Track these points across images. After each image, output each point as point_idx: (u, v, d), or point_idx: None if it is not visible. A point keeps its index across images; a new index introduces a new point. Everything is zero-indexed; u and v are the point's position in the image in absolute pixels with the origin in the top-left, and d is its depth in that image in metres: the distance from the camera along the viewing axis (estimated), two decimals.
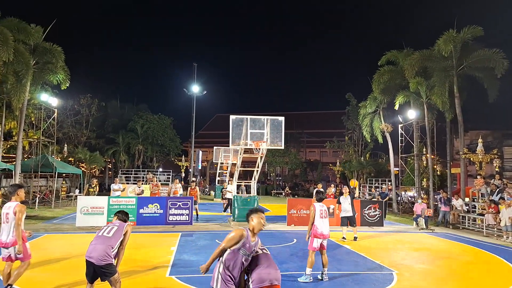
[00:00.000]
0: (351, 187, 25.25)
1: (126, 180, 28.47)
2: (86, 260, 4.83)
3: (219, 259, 3.93)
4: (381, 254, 9.74)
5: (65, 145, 28.12)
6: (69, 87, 19.96)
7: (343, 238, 11.49)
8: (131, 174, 30.42)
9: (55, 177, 21.00)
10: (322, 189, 12.94)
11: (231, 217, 14.84)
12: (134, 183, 25.59)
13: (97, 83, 73.11)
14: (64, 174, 25.69)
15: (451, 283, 7.42)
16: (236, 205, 14.34)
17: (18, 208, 5.41)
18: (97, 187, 16.86)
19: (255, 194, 15.40)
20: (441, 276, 7.83)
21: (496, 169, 16.74)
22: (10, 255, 5.43)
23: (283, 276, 7.36)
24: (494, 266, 9.06)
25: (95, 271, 4.80)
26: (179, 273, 7.20)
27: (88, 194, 15.49)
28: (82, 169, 27.64)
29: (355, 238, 11.52)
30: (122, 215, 5.49)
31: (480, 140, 17.37)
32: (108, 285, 5.07)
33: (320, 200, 7.56)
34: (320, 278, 7.06)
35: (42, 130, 21.47)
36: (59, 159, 24.62)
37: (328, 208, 9.67)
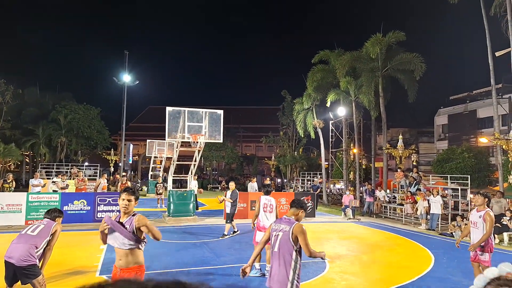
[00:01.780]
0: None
1: (46, 175, 26.10)
2: (5, 261, 4.38)
3: (290, 262, 3.60)
4: (314, 244, 10.12)
5: None
6: None
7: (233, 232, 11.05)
8: (53, 168, 27.92)
9: None
10: (268, 183, 12.58)
11: (166, 213, 14.42)
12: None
13: (12, 67, 65.72)
14: None
15: (377, 267, 8.04)
16: (171, 200, 13.92)
17: None
18: (13, 182, 15.20)
19: (192, 188, 15.11)
20: (368, 262, 8.45)
21: (414, 163, 18.47)
22: None
23: (222, 269, 7.39)
24: (412, 250, 10.00)
25: (15, 273, 4.37)
26: (110, 273, 6.79)
27: (2, 190, 13.93)
28: None
29: (223, 235, 10.88)
30: (54, 213, 5.02)
31: (400, 136, 19.01)
32: None
33: (267, 193, 7.40)
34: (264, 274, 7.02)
35: None
36: None
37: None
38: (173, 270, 7.19)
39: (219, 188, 35.27)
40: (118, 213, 3.94)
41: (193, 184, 16.74)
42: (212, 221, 14.08)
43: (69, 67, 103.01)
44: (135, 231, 3.67)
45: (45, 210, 5.23)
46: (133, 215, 3.77)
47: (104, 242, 3.83)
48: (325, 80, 22.93)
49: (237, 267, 7.28)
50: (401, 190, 17.32)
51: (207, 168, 45.74)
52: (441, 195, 14.03)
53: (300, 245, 3.70)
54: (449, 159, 20.65)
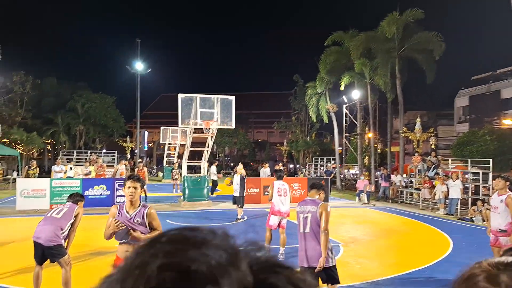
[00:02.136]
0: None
1: (67, 162, 26.83)
2: (34, 241, 4.66)
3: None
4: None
5: None
6: (0, 62, 18.15)
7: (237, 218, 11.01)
8: (73, 155, 28.70)
9: None
10: (282, 168, 12.67)
11: (181, 198, 14.64)
12: (77, 165, 24.25)
13: (31, 58, 67.03)
14: None
15: (392, 251, 8.01)
16: (186, 185, 14.13)
17: None
18: (37, 169, 15.73)
19: (205, 174, 15.27)
20: (383, 246, 8.41)
21: (432, 147, 18.08)
22: None
23: None
24: (430, 235, 9.88)
25: (44, 253, 4.65)
26: None
27: (27, 176, 14.42)
28: (19, 150, 25.55)
29: (236, 219, 10.96)
30: (76, 197, 5.22)
31: (418, 119, 18.59)
32: (59, 268, 4.81)
33: (279, 178, 7.53)
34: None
35: None
36: None
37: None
38: None
39: (232, 173, 35.56)
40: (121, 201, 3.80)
41: (213, 169, 17.18)
42: (225, 206, 14.19)
43: (84, 57, 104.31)
44: (146, 224, 3.58)
45: (68, 195, 5.46)
46: (143, 207, 3.65)
47: (109, 238, 3.66)
48: (338, 62, 22.41)
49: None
50: (419, 175, 17.04)
51: (220, 155, 46.00)
52: (461, 180, 13.75)
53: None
54: (470, 142, 20.13)
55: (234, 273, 0.38)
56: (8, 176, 22.34)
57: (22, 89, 30.69)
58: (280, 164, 20.63)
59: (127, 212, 3.60)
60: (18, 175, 20.99)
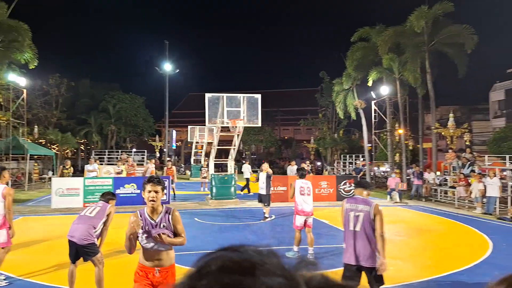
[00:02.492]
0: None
1: (100, 161, 27.73)
2: (68, 240, 4.77)
3: (374, 239, 4.17)
4: None
5: (35, 126, 26.97)
6: (37, 66, 19.12)
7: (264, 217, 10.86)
8: (105, 155, 29.66)
9: (27, 159, 20.12)
10: (305, 166, 12.70)
11: (209, 196, 14.76)
12: (108, 164, 25.00)
13: (65, 62, 69.81)
14: (35, 156, 24.75)
15: (427, 252, 7.70)
16: (214, 183, 14.23)
17: (6, 191, 5.45)
18: (71, 168, 16.31)
19: (232, 172, 15.31)
20: (417, 247, 8.11)
21: (467, 143, 17.33)
22: None
23: None
24: (467, 236, 9.45)
25: (78, 251, 4.75)
26: None
27: (62, 175, 14.99)
28: (54, 150, 26.69)
29: (264, 218, 10.85)
30: (108, 196, 5.36)
31: (451, 114, 17.87)
32: (92, 266, 4.91)
33: (302, 176, 7.47)
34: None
35: (11, 111, 20.39)
36: (30, 141, 23.68)
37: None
38: None
39: (258, 172, 35.50)
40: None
41: (246, 168, 17.36)
42: (253, 204, 14.18)
43: (115, 59, 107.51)
44: (172, 229, 3.33)
45: (100, 194, 5.61)
46: (166, 212, 3.37)
47: (131, 251, 3.32)
48: (366, 58, 21.85)
49: (279, 249, 7.28)
50: (453, 172, 16.35)
51: (246, 153, 46.09)
52: (498, 177, 13.07)
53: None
54: (507, 138, 19.17)
55: None
56: (44, 176, 23.34)
57: (58, 91, 32.09)
58: (308, 162, 20.41)
59: (151, 219, 3.32)
60: (53, 174, 21.90)
